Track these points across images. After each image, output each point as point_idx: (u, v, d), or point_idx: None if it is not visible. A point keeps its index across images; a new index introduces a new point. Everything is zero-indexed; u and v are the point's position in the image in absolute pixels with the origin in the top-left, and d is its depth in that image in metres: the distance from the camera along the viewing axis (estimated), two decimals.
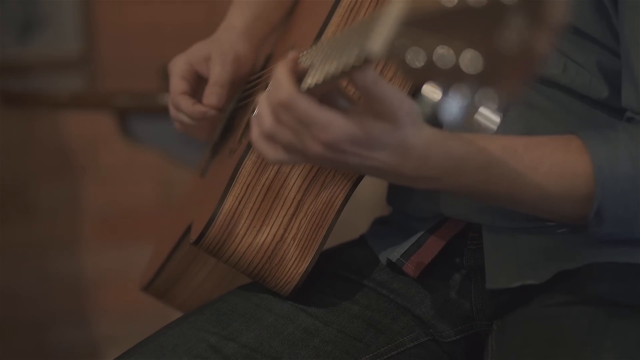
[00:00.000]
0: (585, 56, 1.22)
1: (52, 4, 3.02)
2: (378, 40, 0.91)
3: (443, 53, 0.83)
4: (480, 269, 1.29)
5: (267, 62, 1.57)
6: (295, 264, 1.27)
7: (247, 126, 1.37)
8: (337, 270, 1.37)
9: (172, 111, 1.49)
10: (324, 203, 1.27)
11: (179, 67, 1.47)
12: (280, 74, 1.06)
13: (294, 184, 1.26)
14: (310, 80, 1.05)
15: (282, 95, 1.05)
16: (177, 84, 1.46)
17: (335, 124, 1.03)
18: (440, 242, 1.31)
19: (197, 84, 1.48)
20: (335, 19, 1.27)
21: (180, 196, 1.98)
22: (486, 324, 1.31)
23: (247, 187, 1.26)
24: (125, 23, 3.09)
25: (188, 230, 1.38)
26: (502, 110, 0.85)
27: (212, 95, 1.45)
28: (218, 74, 1.46)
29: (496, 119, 0.86)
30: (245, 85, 1.51)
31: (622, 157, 1.12)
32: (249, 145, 1.27)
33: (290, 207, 1.26)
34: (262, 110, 1.08)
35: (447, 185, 1.12)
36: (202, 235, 1.26)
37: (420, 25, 0.86)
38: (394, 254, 1.33)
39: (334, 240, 1.36)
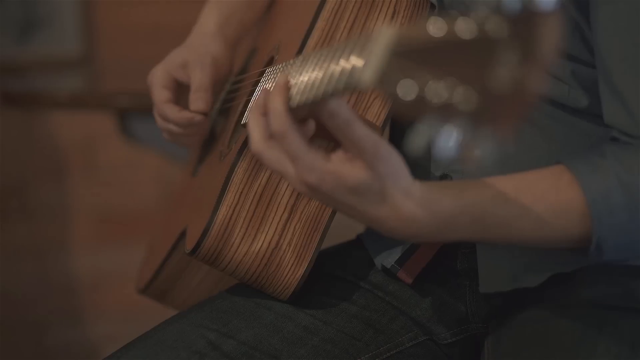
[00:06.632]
0: (561, 69, 1.19)
1: (52, 4, 3.02)
2: (368, 70, 0.89)
3: (435, 87, 0.81)
4: (474, 272, 1.29)
5: (252, 57, 1.56)
6: (292, 270, 1.27)
7: (236, 130, 1.36)
8: (334, 272, 1.37)
9: (159, 121, 1.48)
10: (317, 206, 1.26)
11: (158, 77, 1.47)
12: (276, 103, 1.04)
13: (286, 189, 1.26)
14: (297, 99, 1.04)
15: (276, 126, 1.04)
16: (160, 93, 1.46)
17: (316, 166, 1.02)
18: (434, 247, 1.31)
19: (178, 92, 1.48)
20: (320, 23, 1.26)
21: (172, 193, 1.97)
22: (481, 327, 1.32)
23: (240, 194, 1.26)
24: (125, 23, 3.08)
25: (182, 235, 1.38)
26: (496, 150, 0.82)
27: (198, 100, 1.44)
28: (200, 79, 1.45)
29: (490, 158, 0.82)
30: (230, 86, 1.51)
31: (613, 186, 1.09)
32: (240, 152, 1.26)
33: (284, 212, 1.26)
34: (252, 131, 1.07)
35: (442, 240, 1.10)
36: (197, 246, 1.26)
37: (411, 57, 0.84)
38: (389, 260, 1.33)
39: (331, 240, 1.35)
